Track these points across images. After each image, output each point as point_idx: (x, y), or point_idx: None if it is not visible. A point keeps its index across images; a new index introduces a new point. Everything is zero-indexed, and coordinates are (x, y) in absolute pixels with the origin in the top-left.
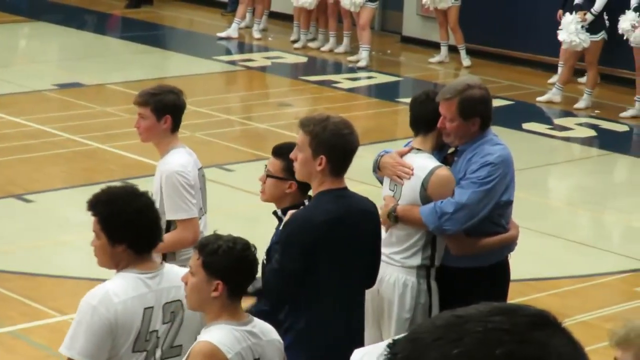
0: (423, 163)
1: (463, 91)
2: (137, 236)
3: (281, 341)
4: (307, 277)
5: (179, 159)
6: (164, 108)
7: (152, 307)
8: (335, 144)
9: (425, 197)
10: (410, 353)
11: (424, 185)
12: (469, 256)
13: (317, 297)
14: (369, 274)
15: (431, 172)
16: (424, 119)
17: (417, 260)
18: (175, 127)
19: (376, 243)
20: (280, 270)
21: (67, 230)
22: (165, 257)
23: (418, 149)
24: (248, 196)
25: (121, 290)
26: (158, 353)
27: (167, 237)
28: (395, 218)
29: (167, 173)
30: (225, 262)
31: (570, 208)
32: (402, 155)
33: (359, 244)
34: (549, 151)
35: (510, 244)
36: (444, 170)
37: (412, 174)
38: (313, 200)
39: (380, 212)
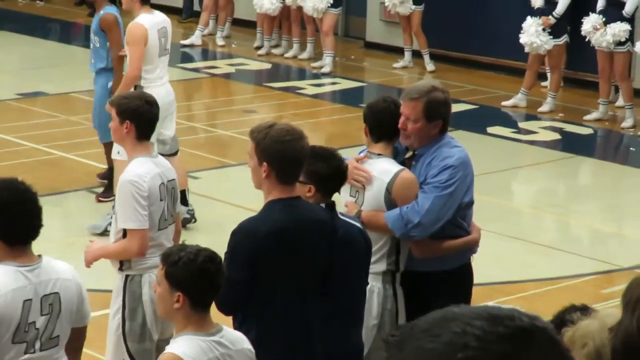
0: (386, 167)
1: (429, 92)
2: (9, 228)
3: (252, 350)
4: (255, 288)
5: (137, 169)
6: (125, 113)
7: (30, 300)
8: (275, 151)
9: (390, 201)
10: (400, 338)
11: (388, 189)
12: (432, 259)
13: (267, 308)
14: (325, 285)
15: (396, 176)
16: (390, 125)
17: (382, 266)
18: (140, 135)
19: (332, 253)
20: (227, 281)
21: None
22: (122, 265)
23: (379, 154)
24: (214, 204)
25: (1, 283)
26: (37, 344)
27: (113, 245)
28: (360, 224)
29: (121, 181)
30: (186, 274)
31: (535, 211)
32: (358, 161)
33: (310, 255)
34: (514, 154)
35: (473, 246)
36: (408, 174)
37: (370, 178)
38: (262, 209)
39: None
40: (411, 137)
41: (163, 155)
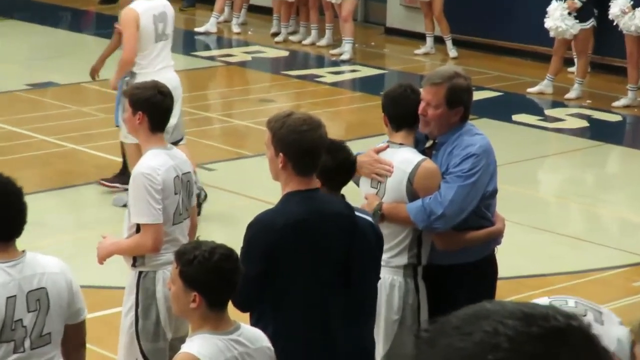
0: (407, 157)
1: (452, 78)
2: None
3: (271, 348)
4: (272, 282)
5: (150, 161)
6: (137, 103)
7: (15, 296)
8: (291, 141)
9: (412, 192)
10: (432, 334)
11: (410, 180)
12: (456, 252)
13: (284, 303)
14: (346, 277)
15: (417, 166)
16: (411, 112)
17: (403, 260)
18: (153, 126)
19: (351, 246)
20: (244, 276)
21: (43, 235)
22: (135, 261)
23: (400, 144)
24: (231, 196)
25: None
26: (27, 343)
27: (126, 241)
28: (381, 216)
29: (134, 174)
30: (201, 273)
31: (562, 201)
32: (378, 152)
33: (328, 248)
34: (540, 143)
35: (497, 237)
36: (430, 163)
37: (392, 171)
38: (279, 201)
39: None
40: (431, 124)
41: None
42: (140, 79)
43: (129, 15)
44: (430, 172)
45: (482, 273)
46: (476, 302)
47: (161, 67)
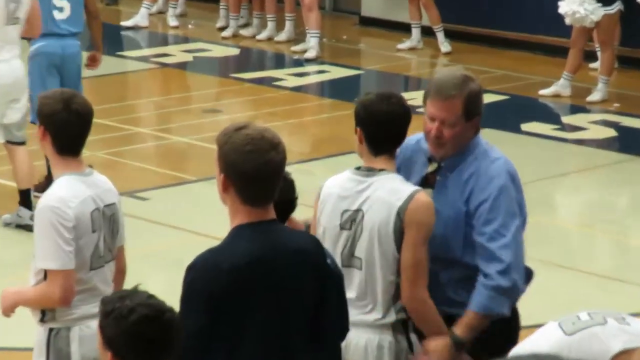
0: (395, 186)
1: (465, 85)
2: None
3: None
4: (220, 337)
5: (60, 191)
6: (40, 116)
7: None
8: (231, 162)
9: (400, 230)
10: None
11: (399, 215)
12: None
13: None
14: (313, 330)
15: (410, 198)
16: (399, 132)
17: (391, 317)
18: (61, 147)
19: (317, 287)
20: (185, 331)
21: None
22: (44, 315)
23: (381, 169)
24: (170, 231)
25: None
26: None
27: (32, 290)
28: (462, 344)
29: (39, 207)
30: (115, 331)
31: (586, 230)
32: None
33: (291, 295)
34: (557, 158)
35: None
36: (424, 196)
37: None
38: (226, 237)
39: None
40: (447, 145)
41: (10, 142)
42: None
43: None
44: (426, 206)
45: (504, 325)
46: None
47: (10, 56)
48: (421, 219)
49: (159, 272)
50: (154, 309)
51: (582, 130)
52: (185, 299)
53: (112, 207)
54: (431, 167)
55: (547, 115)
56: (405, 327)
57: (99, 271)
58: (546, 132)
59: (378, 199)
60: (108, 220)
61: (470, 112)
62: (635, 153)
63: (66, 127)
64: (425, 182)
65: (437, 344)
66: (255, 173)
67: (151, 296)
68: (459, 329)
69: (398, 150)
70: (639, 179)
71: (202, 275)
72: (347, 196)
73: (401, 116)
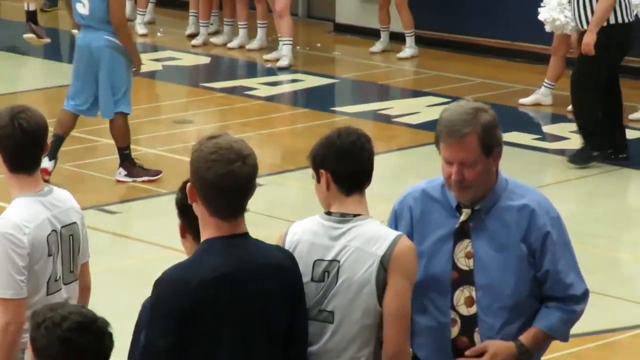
0: (375, 233)
1: (477, 117)
2: None
3: None
4: (189, 353)
5: (15, 215)
6: None
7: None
8: (195, 170)
9: (384, 280)
10: None
11: (383, 264)
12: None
13: None
14: (286, 352)
15: (394, 243)
16: (367, 168)
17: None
18: (12, 165)
19: (289, 303)
20: (148, 348)
21: None
22: None
23: (356, 215)
24: (140, 246)
25: None
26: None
27: None
28: (528, 353)
29: None
30: (46, 342)
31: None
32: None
33: (262, 312)
34: (538, 169)
35: None
36: (407, 240)
37: None
38: (195, 251)
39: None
40: (472, 188)
41: None
42: None
43: None
44: (412, 250)
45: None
46: None
47: None
48: (407, 266)
49: (127, 288)
50: (86, 316)
51: (564, 139)
52: (152, 314)
53: (72, 227)
54: (465, 215)
55: (528, 124)
56: None
57: (56, 295)
58: (526, 142)
59: (357, 248)
60: (67, 241)
61: (489, 147)
62: (618, 164)
63: (13, 144)
64: (461, 233)
65: (501, 347)
66: (217, 183)
67: (83, 306)
68: (525, 339)
69: (398, 207)
70: (621, 190)
71: (169, 292)
72: (320, 244)
73: (368, 151)
